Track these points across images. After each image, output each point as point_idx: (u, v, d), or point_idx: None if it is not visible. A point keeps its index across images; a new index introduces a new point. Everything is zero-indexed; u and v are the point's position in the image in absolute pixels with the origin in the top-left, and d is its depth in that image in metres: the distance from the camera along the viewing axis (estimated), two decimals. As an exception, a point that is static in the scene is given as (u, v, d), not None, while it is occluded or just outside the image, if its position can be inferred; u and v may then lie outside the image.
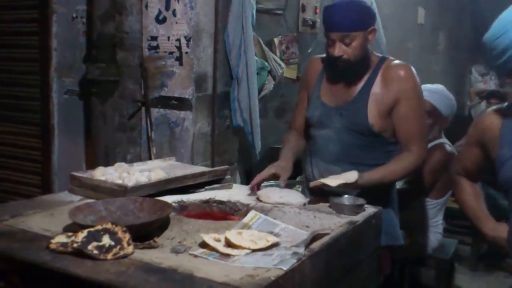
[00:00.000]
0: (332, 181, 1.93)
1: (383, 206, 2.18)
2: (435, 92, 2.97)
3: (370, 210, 1.93)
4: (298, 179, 3.09)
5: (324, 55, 2.23)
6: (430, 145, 2.94)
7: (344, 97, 2.16)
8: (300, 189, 2.75)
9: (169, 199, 1.95)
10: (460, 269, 3.81)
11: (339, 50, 2.05)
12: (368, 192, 2.01)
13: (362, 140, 2.15)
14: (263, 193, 1.99)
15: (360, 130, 2.13)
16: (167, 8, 2.85)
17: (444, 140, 2.99)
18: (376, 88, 2.12)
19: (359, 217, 1.85)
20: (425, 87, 3.03)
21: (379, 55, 2.23)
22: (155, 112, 2.97)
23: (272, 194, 1.97)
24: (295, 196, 1.98)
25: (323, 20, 2.12)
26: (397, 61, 2.19)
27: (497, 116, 1.79)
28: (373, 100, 2.11)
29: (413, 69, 2.16)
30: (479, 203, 1.98)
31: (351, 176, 1.97)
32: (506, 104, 1.81)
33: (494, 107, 1.86)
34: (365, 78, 2.15)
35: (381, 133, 2.15)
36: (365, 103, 2.11)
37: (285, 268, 1.33)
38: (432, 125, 2.93)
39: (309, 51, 4.05)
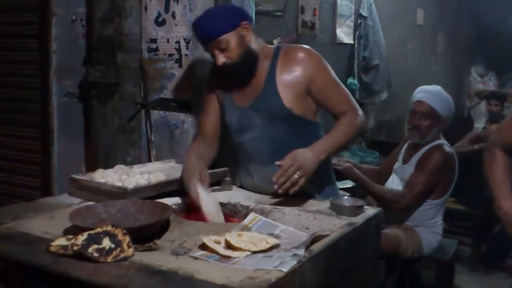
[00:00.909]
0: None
1: (328, 183, 2.24)
2: (433, 93, 2.98)
3: (370, 211, 1.94)
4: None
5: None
6: (428, 146, 2.95)
7: (253, 93, 2.14)
8: None
9: (169, 201, 1.95)
10: (460, 270, 3.82)
11: (219, 58, 2.03)
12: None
13: (288, 128, 2.12)
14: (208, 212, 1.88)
15: (280, 118, 2.11)
16: (167, 10, 2.85)
17: (442, 141, 2.99)
18: (281, 73, 2.10)
19: (359, 219, 1.85)
20: (423, 88, 3.04)
21: (273, 46, 2.23)
22: (155, 114, 2.96)
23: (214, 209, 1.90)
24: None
25: (196, 38, 2.13)
26: (294, 45, 2.22)
27: None
28: (282, 85, 2.09)
29: (311, 48, 2.16)
30: (507, 177, 1.95)
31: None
32: None
33: None
34: (266, 68, 2.12)
35: (303, 116, 2.13)
36: (275, 90, 2.09)
37: (285, 270, 1.34)
38: (431, 127, 2.93)
39: (308, 52, 4.05)
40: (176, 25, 2.85)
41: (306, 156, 1.92)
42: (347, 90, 2.17)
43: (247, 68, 2.10)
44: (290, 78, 2.10)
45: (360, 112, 2.13)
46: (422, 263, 3.11)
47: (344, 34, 4.54)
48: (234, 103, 2.19)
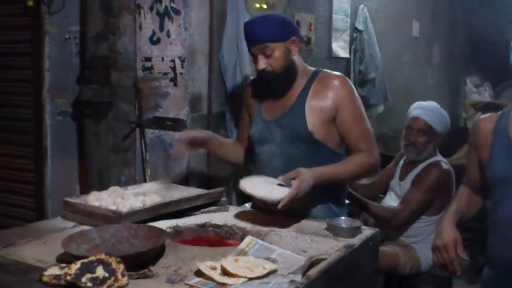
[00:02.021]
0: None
1: (336, 204, 2.23)
2: (429, 110, 2.96)
3: (367, 232, 1.92)
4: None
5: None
6: (425, 163, 2.93)
7: (281, 109, 2.18)
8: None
9: (164, 223, 1.93)
10: (458, 283, 3.78)
11: (261, 63, 2.07)
12: (321, 192, 2.05)
13: (306, 150, 2.12)
14: (249, 184, 1.98)
15: (301, 138, 2.12)
16: (161, 28, 2.84)
17: (439, 157, 2.98)
18: (312, 97, 2.13)
19: (356, 240, 1.83)
20: (419, 104, 3.03)
21: (313, 68, 2.24)
22: (150, 133, 2.94)
23: (259, 187, 1.96)
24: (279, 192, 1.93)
25: (245, 37, 2.15)
26: (331, 72, 2.21)
27: (491, 120, 1.91)
28: (310, 108, 2.11)
29: (347, 78, 2.18)
30: (458, 206, 2.03)
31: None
32: (499, 112, 1.92)
33: (488, 114, 2.00)
34: (300, 88, 2.16)
35: (324, 142, 2.13)
36: (302, 111, 2.12)
37: (282, 299, 1.31)
38: (427, 143, 2.92)
39: (303, 67, 4.04)
40: (171, 43, 2.84)
41: (306, 183, 1.94)
42: (370, 128, 2.17)
43: (284, 81, 2.14)
44: (319, 103, 2.12)
45: (375, 154, 2.14)
46: (420, 279, 3.08)
47: (340, 48, 4.54)
48: (260, 115, 2.24)
